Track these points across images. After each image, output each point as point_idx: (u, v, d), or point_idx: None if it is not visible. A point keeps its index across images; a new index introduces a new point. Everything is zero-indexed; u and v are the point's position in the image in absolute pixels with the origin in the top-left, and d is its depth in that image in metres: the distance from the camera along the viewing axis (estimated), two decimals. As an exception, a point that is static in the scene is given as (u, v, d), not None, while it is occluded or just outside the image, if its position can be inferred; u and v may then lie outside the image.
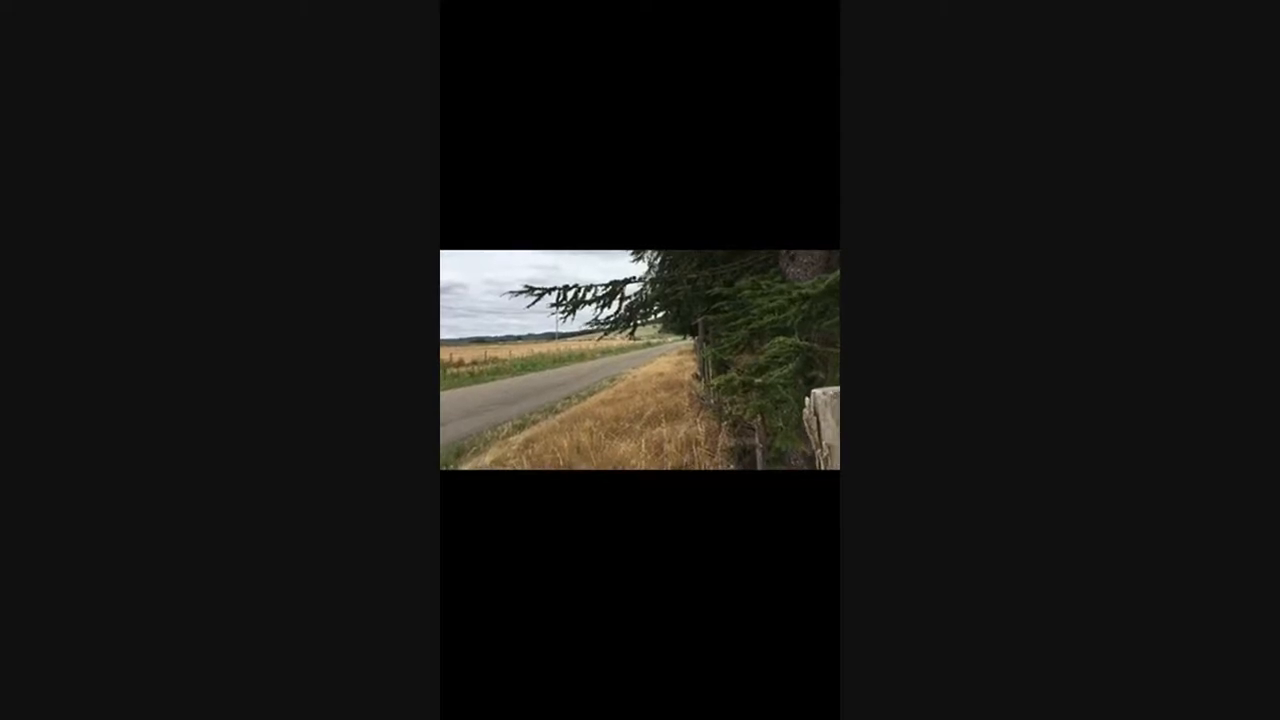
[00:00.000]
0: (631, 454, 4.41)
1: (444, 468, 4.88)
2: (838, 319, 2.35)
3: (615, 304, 4.32)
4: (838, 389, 1.29)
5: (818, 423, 1.31)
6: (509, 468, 4.47)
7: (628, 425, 5.55)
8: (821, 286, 2.41)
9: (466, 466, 4.92)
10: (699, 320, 4.55)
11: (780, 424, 2.41)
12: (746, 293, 2.93)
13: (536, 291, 4.13)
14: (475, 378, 13.62)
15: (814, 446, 1.35)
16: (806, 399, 1.35)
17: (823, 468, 1.34)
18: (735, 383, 2.59)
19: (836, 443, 1.27)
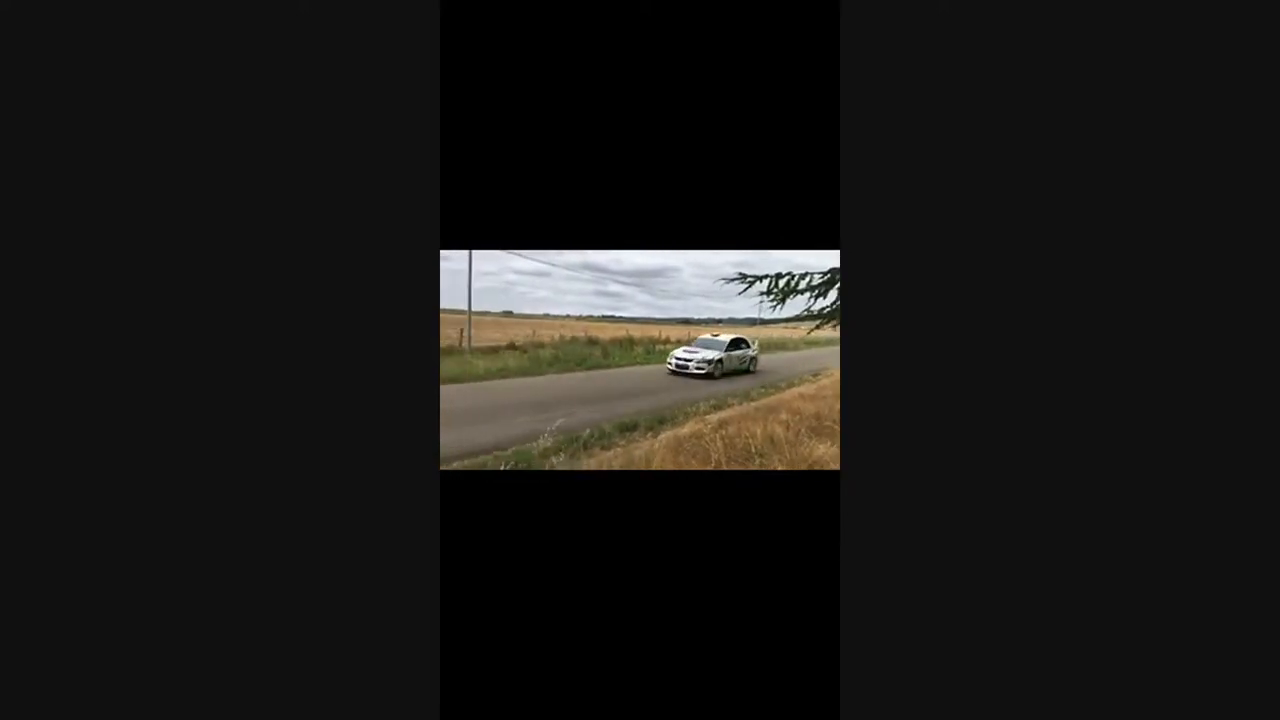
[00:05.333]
0: (830, 458, 4.26)
1: (648, 432, 5.05)
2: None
3: (832, 294, 4.16)
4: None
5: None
6: (705, 443, 4.52)
7: (830, 426, 5.36)
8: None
9: (667, 433, 5.05)
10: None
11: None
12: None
13: (749, 279, 4.09)
14: (678, 355, 13.89)
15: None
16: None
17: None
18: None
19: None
